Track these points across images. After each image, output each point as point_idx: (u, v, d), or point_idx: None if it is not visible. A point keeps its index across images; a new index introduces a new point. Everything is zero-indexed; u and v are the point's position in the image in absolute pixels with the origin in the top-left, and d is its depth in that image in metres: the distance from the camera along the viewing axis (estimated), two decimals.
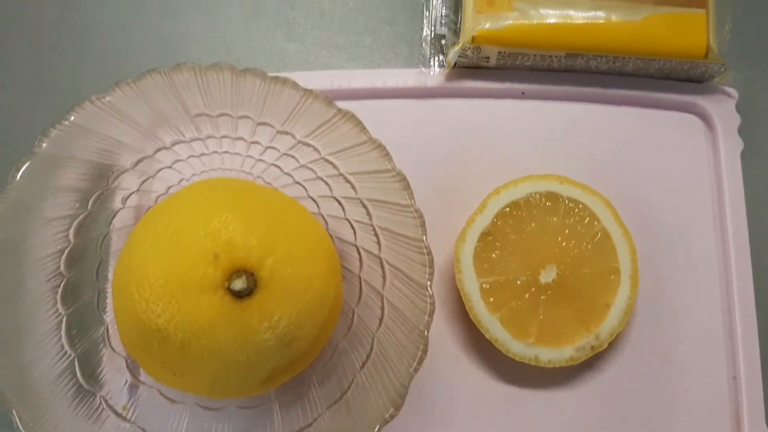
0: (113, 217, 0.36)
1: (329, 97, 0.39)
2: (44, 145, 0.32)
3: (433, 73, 0.41)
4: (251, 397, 0.35)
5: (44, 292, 0.33)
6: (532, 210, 0.38)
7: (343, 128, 0.34)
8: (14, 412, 0.30)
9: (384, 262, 0.35)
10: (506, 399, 0.38)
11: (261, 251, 0.30)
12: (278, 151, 0.36)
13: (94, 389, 0.33)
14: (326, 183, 0.36)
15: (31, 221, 0.33)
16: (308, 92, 0.33)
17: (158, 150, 0.36)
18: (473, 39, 0.39)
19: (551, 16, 0.39)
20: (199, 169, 0.37)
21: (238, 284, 0.29)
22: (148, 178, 0.36)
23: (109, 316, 0.35)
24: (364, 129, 0.33)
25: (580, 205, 0.38)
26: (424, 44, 0.42)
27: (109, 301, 0.35)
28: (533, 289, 0.37)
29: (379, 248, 0.35)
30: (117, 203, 0.36)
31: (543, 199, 0.38)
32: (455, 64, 0.41)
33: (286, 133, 0.35)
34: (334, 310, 0.33)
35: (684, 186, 0.41)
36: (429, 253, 0.32)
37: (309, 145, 0.35)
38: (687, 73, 0.41)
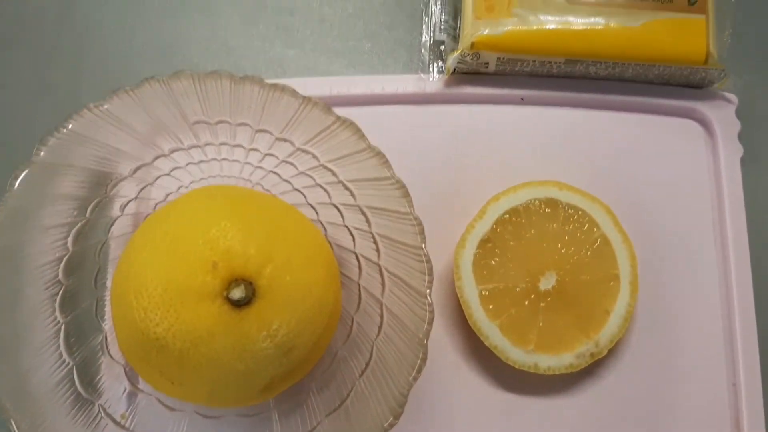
0: (111, 225, 0.36)
1: (328, 104, 0.40)
2: (42, 153, 0.32)
3: (432, 79, 0.41)
4: (250, 406, 0.34)
5: (42, 300, 0.33)
6: (531, 216, 0.38)
7: (342, 135, 0.34)
8: (12, 421, 0.30)
9: (383, 270, 0.35)
10: (506, 406, 0.38)
11: (259, 259, 0.30)
12: (277, 158, 0.36)
13: (92, 397, 0.33)
14: (325, 190, 0.36)
15: (29, 229, 0.33)
16: (307, 99, 0.33)
17: (157, 157, 0.36)
18: (472, 45, 0.39)
19: (550, 22, 0.39)
20: (198, 177, 0.37)
21: (237, 293, 0.29)
22: (146, 186, 0.36)
23: (107, 324, 0.35)
24: (363, 136, 0.33)
25: (580, 212, 0.38)
26: (423, 50, 0.42)
27: (108, 308, 0.35)
28: (533, 296, 0.37)
29: (378, 255, 0.35)
30: (115, 211, 0.36)
31: (542, 206, 0.38)
32: (454, 69, 0.41)
33: (285, 140, 0.35)
34: (333, 317, 0.33)
35: (684, 192, 0.41)
36: (428, 261, 0.32)
37: (308, 152, 0.35)
38: (687, 78, 0.41)
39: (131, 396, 0.35)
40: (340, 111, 0.40)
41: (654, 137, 0.41)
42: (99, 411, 0.33)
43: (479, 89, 0.41)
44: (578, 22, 0.39)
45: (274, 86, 0.33)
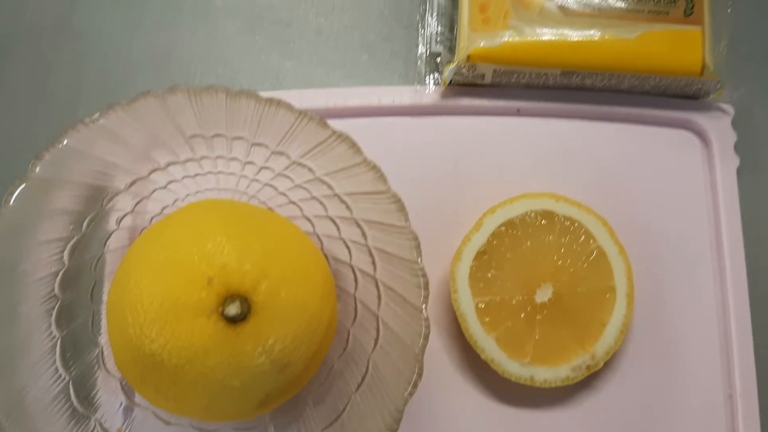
0: (108, 239, 0.36)
1: (325, 116, 0.40)
2: (38, 169, 0.32)
3: (429, 91, 0.41)
4: (247, 420, 0.34)
5: (39, 314, 0.33)
6: (527, 229, 0.38)
7: (338, 149, 0.34)
8: None
9: (379, 283, 0.35)
10: (502, 419, 0.38)
11: (255, 275, 0.30)
12: (273, 171, 0.36)
13: (88, 412, 0.33)
14: (321, 203, 0.36)
15: (25, 244, 0.33)
16: (303, 114, 0.33)
17: (153, 171, 0.36)
18: (469, 57, 0.39)
19: (546, 35, 0.39)
20: (194, 189, 0.37)
21: (232, 310, 0.29)
22: (142, 199, 0.36)
23: (103, 338, 0.35)
24: (359, 151, 0.33)
25: (576, 224, 0.38)
26: (419, 62, 0.42)
27: (104, 322, 0.35)
28: (529, 309, 0.37)
29: (375, 269, 0.35)
30: (111, 224, 0.36)
31: (538, 218, 0.38)
32: (450, 81, 0.41)
33: (281, 153, 0.35)
34: (329, 332, 0.33)
35: (680, 203, 0.41)
36: (424, 276, 0.32)
37: (304, 166, 0.35)
38: (683, 89, 0.41)
39: (127, 410, 0.35)
40: (336, 122, 0.40)
41: (650, 148, 0.41)
42: (95, 426, 0.33)
43: (475, 101, 0.41)
44: (574, 34, 0.39)
45: (270, 100, 0.33)
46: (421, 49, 0.42)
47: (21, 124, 0.43)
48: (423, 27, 0.42)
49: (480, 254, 0.37)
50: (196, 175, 0.36)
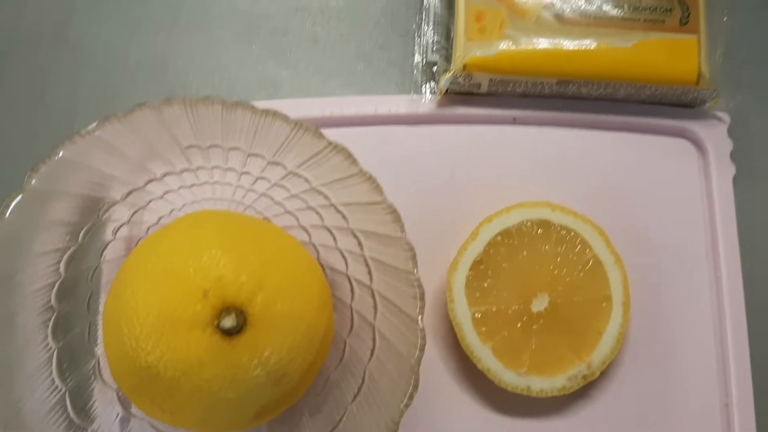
0: (104, 249, 0.36)
1: (321, 125, 0.40)
2: (33, 181, 0.32)
3: (425, 100, 0.41)
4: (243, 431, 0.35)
5: (35, 326, 0.33)
6: (524, 238, 0.38)
7: (334, 160, 0.34)
8: None
9: (375, 293, 0.35)
10: (499, 429, 0.38)
11: (251, 287, 0.30)
12: (269, 181, 0.36)
13: (84, 424, 0.33)
14: (317, 213, 0.36)
15: (21, 256, 0.33)
16: (298, 125, 0.33)
17: (149, 182, 0.36)
18: (465, 66, 0.39)
19: (542, 44, 0.39)
20: (190, 200, 0.37)
21: (228, 322, 0.29)
22: (138, 209, 0.36)
23: (100, 349, 0.35)
24: (354, 162, 0.33)
25: (572, 233, 0.38)
26: (415, 71, 0.42)
27: (100, 333, 0.35)
28: (525, 318, 0.37)
29: (371, 279, 0.35)
30: (108, 235, 0.36)
31: (535, 227, 0.38)
32: (447, 90, 0.41)
33: (277, 163, 0.35)
34: (324, 343, 0.33)
35: (676, 211, 0.41)
36: (420, 286, 0.32)
37: (300, 176, 0.35)
38: (679, 98, 0.41)
39: (124, 421, 0.35)
40: (332, 131, 0.40)
41: (646, 157, 0.41)
42: None
43: (471, 110, 0.41)
44: (570, 43, 0.39)
45: (266, 112, 0.33)
46: (417, 58, 0.42)
47: (18, 133, 0.43)
48: (419, 36, 0.42)
49: (476, 264, 0.38)
50: (193, 185, 0.36)
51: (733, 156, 0.41)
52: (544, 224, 0.38)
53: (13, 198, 0.32)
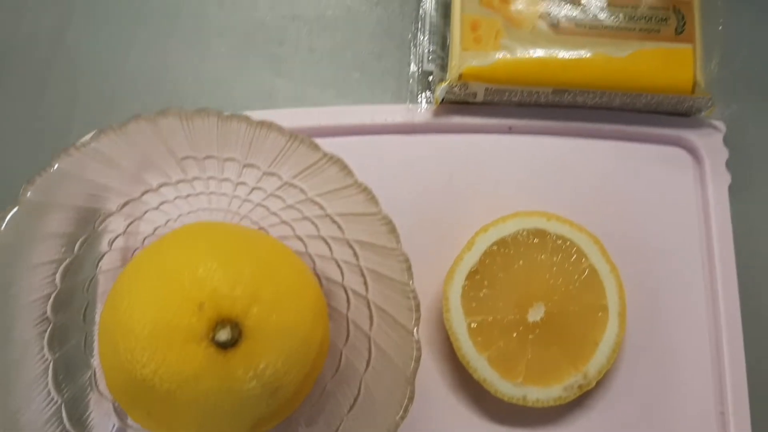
0: (100, 260, 0.36)
1: (317, 134, 0.40)
2: (29, 193, 0.32)
3: (421, 110, 0.41)
4: None
5: (31, 337, 0.33)
6: (519, 247, 0.38)
7: (329, 171, 0.34)
8: None
9: (371, 304, 0.35)
10: None
11: (246, 300, 0.30)
12: (265, 191, 0.36)
13: None
14: (313, 223, 0.36)
15: (17, 268, 0.33)
16: (293, 136, 0.33)
17: (145, 192, 0.36)
18: (460, 76, 0.39)
19: (538, 53, 0.39)
20: (186, 210, 0.37)
21: (223, 335, 0.29)
22: (134, 220, 0.36)
23: (96, 360, 0.35)
24: (350, 173, 0.33)
25: (568, 242, 0.38)
26: (411, 80, 0.42)
27: (96, 344, 0.35)
28: (521, 328, 0.37)
29: (367, 289, 0.35)
30: (104, 246, 0.36)
31: (531, 237, 0.38)
32: (443, 99, 0.41)
33: (273, 174, 0.35)
34: (320, 355, 0.33)
35: (672, 220, 0.41)
36: (415, 298, 0.32)
37: (296, 187, 0.35)
38: (674, 107, 0.41)
39: None
40: (329, 141, 0.40)
41: (642, 165, 0.41)
42: None
43: (467, 119, 0.41)
44: (565, 53, 0.39)
45: (261, 123, 0.33)
46: (413, 67, 0.42)
47: (14, 144, 0.43)
48: (415, 45, 0.42)
49: (472, 273, 0.38)
50: (188, 195, 0.36)
51: (729, 165, 0.41)
52: (540, 234, 0.38)
53: (8, 210, 0.32)
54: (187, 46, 0.44)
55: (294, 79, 0.43)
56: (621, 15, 0.39)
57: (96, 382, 0.35)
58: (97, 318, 0.35)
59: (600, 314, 0.37)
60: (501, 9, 0.39)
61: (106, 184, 0.34)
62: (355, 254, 0.35)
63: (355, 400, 0.34)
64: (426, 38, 0.41)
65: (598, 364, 0.37)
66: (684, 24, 0.40)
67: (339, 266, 0.36)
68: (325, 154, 0.33)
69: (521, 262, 0.38)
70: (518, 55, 0.39)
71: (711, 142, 0.41)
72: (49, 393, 0.33)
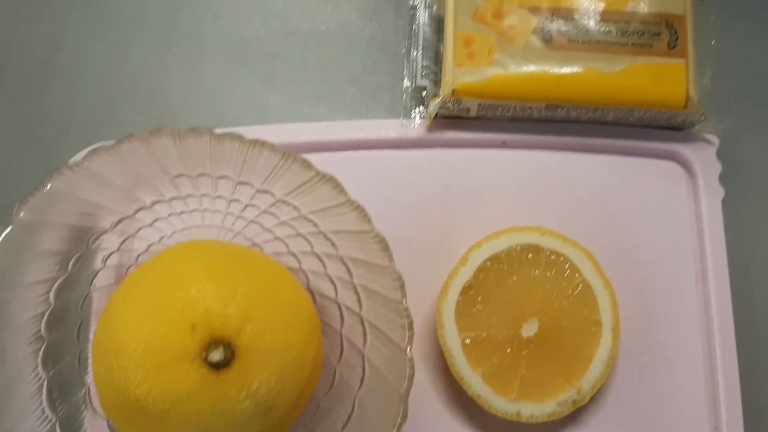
0: (94, 277, 0.36)
1: (311, 150, 0.40)
2: (22, 213, 0.32)
3: (414, 125, 0.41)
4: None
5: (25, 356, 0.33)
6: (513, 263, 0.38)
7: (322, 190, 0.34)
8: None
9: (365, 321, 0.35)
10: None
11: (239, 319, 0.30)
12: (258, 208, 0.36)
13: None
14: (307, 240, 0.36)
15: (10, 287, 0.33)
16: (286, 155, 0.33)
17: (138, 210, 0.36)
18: (454, 92, 0.39)
19: (531, 69, 0.39)
20: (180, 227, 0.37)
21: (215, 356, 0.29)
22: (128, 238, 0.36)
23: (90, 377, 0.35)
24: (342, 191, 0.33)
25: (562, 258, 0.38)
26: (404, 95, 0.42)
27: (90, 361, 0.35)
28: (515, 344, 0.37)
29: (360, 306, 0.35)
30: (98, 263, 0.36)
31: (524, 252, 0.38)
32: (436, 114, 0.41)
33: (266, 191, 0.35)
34: (313, 373, 0.33)
35: (665, 234, 0.41)
36: (408, 316, 0.32)
37: (289, 204, 0.35)
38: (667, 121, 0.41)
39: None
40: (323, 156, 0.40)
41: (635, 179, 0.41)
42: None
43: (461, 133, 0.41)
44: (558, 68, 0.39)
45: (254, 142, 0.33)
46: (406, 82, 0.42)
47: (7, 161, 0.43)
48: (408, 61, 0.42)
49: (466, 289, 0.38)
50: (182, 212, 0.37)
51: (722, 178, 0.41)
52: (534, 249, 0.38)
53: (1, 230, 0.32)
54: (182, 61, 0.44)
55: (288, 94, 0.43)
56: (614, 30, 0.40)
57: (90, 400, 0.35)
58: (92, 335, 0.35)
59: (594, 329, 0.37)
60: (494, 25, 0.39)
61: (99, 202, 0.34)
62: (349, 271, 0.35)
63: (349, 417, 0.34)
64: (419, 53, 0.42)
65: (592, 379, 0.37)
66: (677, 39, 0.40)
67: (332, 283, 0.36)
68: (317, 173, 0.33)
69: (515, 277, 0.38)
70: (511, 70, 0.39)
71: (704, 156, 0.41)
72: (43, 411, 0.33)
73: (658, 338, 0.40)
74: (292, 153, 0.33)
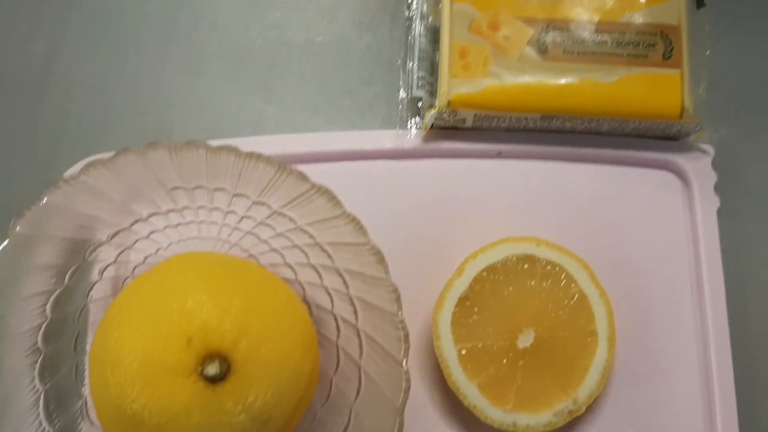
0: (91, 289, 0.36)
1: (308, 160, 0.40)
2: (18, 227, 0.32)
3: (410, 136, 0.41)
4: None
5: (22, 368, 0.33)
6: (509, 273, 0.38)
7: (318, 202, 0.34)
8: None
9: (361, 333, 0.35)
10: None
11: (235, 333, 0.30)
12: (255, 220, 0.36)
13: None
14: (303, 251, 0.36)
15: (7, 300, 0.33)
16: (282, 167, 0.33)
17: (135, 222, 0.36)
18: (449, 103, 0.39)
19: (526, 80, 0.39)
20: (176, 238, 0.37)
21: (211, 370, 0.29)
22: (125, 250, 0.36)
23: (87, 389, 0.35)
24: (338, 203, 0.34)
25: (557, 268, 0.38)
26: (400, 106, 0.42)
27: (87, 373, 0.35)
28: (511, 354, 0.37)
29: (356, 318, 0.35)
30: (94, 275, 0.36)
31: (520, 262, 0.38)
32: (432, 125, 0.41)
33: (262, 203, 0.35)
34: (310, 384, 0.33)
35: (661, 244, 0.41)
36: (404, 329, 0.32)
37: (285, 216, 0.35)
38: (663, 131, 0.41)
39: None
40: (319, 166, 0.40)
41: (631, 189, 0.42)
42: None
43: (457, 144, 0.41)
44: (554, 79, 0.39)
45: (250, 155, 0.33)
46: (402, 93, 0.42)
47: (5, 173, 0.43)
48: (404, 72, 0.42)
49: (462, 300, 0.38)
50: (178, 224, 0.37)
51: (717, 188, 0.41)
52: (530, 259, 0.38)
53: None
54: (178, 71, 0.44)
55: (284, 104, 0.44)
56: (609, 41, 0.40)
57: (87, 412, 0.35)
58: (89, 347, 0.36)
59: (589, 339, 0.37)
60: (489, 36, 0.39)
61: (95, 215, 0.34)
62: (345, 283, 0.35)
63: (346, 428, 0.34)
64: (415, 64, 0.42)
65: (588, 390, 0.37)
66: (672, 49, 0.40)
67: (329, 294, 0.36)
68: (313, 185, 0.34)
69: (511, 288, 0.38)
70: (507, 81, 0.39)
71: (699, 166, 0.41)
72: (40, 423, 0.34)
73: (654, 348, 0.40)
74: (288, 165, 0.33)
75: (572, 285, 0.38)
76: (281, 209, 0.35)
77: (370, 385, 0.34)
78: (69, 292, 0.35)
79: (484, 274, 0.38)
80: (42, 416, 0.34)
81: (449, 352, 0.37)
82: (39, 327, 0.34)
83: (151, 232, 0.36)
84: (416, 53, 0.42)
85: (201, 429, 0.29)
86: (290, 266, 0.37)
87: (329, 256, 0.35)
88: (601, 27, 0.40)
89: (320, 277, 0.36)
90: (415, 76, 0.41)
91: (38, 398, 0.34)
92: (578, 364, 0.37)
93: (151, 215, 0.36)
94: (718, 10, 0.41)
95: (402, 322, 0.32)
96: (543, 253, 0.38)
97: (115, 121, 0.44)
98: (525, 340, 0.37)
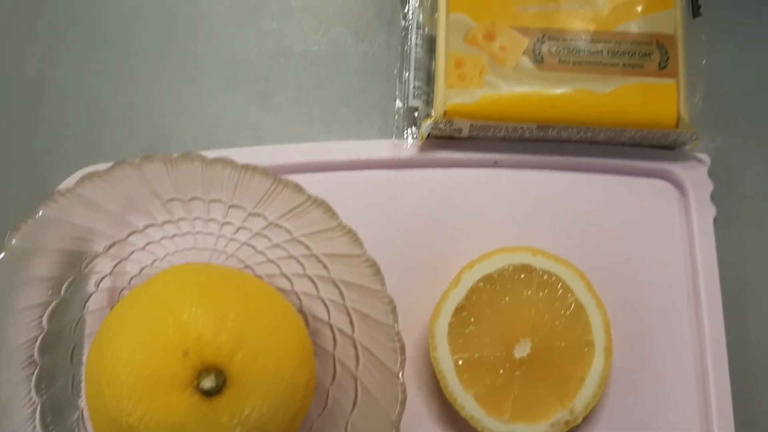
0: (87, 301, 0.36)
1: (304, 170, 0.41)
2: (14, 240, 0.32)
3: (407, 145, 0.41)
4: None
5: (18, 381, 0.34)
6: (506, 283, 0.38)
7: (314, 214, 0.34)
8: None
9: (357, 344, 0.35)
10: None
11: (231, 346, 0.30)
12: (251, 231, 0.36)
13: None
14: (299, 262, 0.36)
15: (3, 313, 0.33)
16: (278, 179, 0.34)
17: (131, 234, 0.36)
18: (445, 113, 0.39)
19: (522, 90, 0.39)
20: (172, 249, 0.37)
21: (207, 383, 0.29)
22: (121, 261, 0.36)
23: (83, 401, 0.35)
24: (334, 215, 0.34)
25: (554, 278, 0.38)
26: (397, 116, 0.42)
27: (84, 385, 0.35)
28: (508, 365, 0.37)
29: (353, 329, 0.35)
30: (90, 287, 0.36)
31: (516, 272, 0.38)
32: (428, 135, 0.41)
33: (258, 215, 0.35)
34: (306, 396, 0.33)
35: (657, 253, 0.41)
36: (400, 340, 0.32)
37: (281, 227, 0.36)
38: (659, 140, 0.41)
39: None
40: (316, 176, 0.41)
41: (627, 199, 0.42)
42: None
43: (453, 154, 0.41)
44: (549, 89, 0.39)
45: (246, 167, 0.33)
46: (398, 103, 0.42)
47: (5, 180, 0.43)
48: (400, 81, 0.42)
49: (458, 310, 0.38)
50: (174, 235, 0.37)
51: (714, 197, 0.41)
52: (526, 269, 0.38)
53: None
54: (174, 81, 0.44)
55: (280, 114, 0.44)
56: (604, 50, 0.40)
57: (84, 424, 0.35)
58: (85, 358, 0.36)
59: (586, 349, 0.37)
60: (485, 46, 0.40)
61: (91, 227, 0.34)
62: (341, 294, 0.35)
63: None
64: (411, 74, 0.42)
65: (585, 400, 0.37)
66: (667, 59, 0.40)
67: (325, 305, 0.36)
68: (309, 197, 0.34)
69: (507, 298, 0.38)
70: (503, 91, 0.39)
71: (696, 175, 0.41)
72: None
73: (651, 357, 0.40)
74: (284, 177, 0.34)
75: (569, 295, 0.38)
76: (277, 220, 0.35)
77: (367, 397, 0.34)
78: (65, 304, 0.35)
79: (481, 284, 0.38)
80: (38, 428, 0.34)
81: (446, 362, 0.37)
82: (35, 339, 0.34)
83: (147, 244, 0.36)
84: (412, 63, 0.42)
85: None
86: (286, 277, 0.37)
87: (325, 267, 0.35)
88: (596, 37, 0.40)
89: (316, 288, 0.36)
90: (412, 86, 0.41)
91: (35, 410, 0.34)
92: (575, 374, 0.37)
93: (147, 227, 0.36)
94: (713, 20, 0.41)
95: (398, 334, 0.33)
96: (539, 262, 0.38)
97: (111, 132, 0.44)
98: (522, 351, 0.37)
